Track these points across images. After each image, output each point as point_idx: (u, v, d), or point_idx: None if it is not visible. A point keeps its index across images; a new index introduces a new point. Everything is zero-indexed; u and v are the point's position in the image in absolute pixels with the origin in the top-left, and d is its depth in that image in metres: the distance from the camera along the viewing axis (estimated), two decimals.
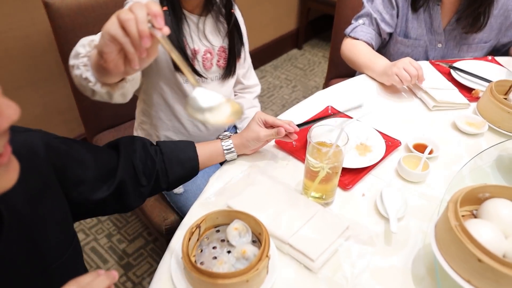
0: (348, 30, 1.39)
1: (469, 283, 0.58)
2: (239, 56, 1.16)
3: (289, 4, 3.02)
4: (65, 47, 1.31)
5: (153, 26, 0.55)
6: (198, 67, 1.09)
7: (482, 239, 0.57)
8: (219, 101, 0.61)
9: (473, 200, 0.68)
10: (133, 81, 0.78)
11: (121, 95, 0.77)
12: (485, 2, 1.22)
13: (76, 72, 0.73)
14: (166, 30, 0.56)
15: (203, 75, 1.11)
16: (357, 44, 1.34)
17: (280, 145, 0.98)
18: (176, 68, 1.04)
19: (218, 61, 1.13)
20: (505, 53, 1.40)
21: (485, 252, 0.55)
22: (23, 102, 1.75)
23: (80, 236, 1.77)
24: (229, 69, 1.15)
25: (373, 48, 1.35)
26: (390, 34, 1.38)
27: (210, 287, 0.62)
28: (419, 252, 0.75)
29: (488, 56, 1.36)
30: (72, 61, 0.74)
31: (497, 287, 0.55)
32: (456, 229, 0.59)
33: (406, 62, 1.13)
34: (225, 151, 0.91)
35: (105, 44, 0.56)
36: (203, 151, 0.89)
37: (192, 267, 0.62)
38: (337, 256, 0.73)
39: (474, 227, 0.60)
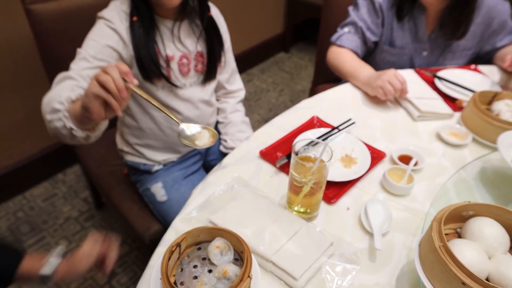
0: (333, 38, 1.38)
1: None
2: (219, 60, 1.15)
3: (275, 8, 3.01)
4: (46, 52, 1.27)
5: (125, 81, 0.69)
6: (173, 74, 1.07)
7: (466, 260, 0.57)
8: (199, 129, 0.75)
9: (457, 218, 0.68)
10: (105, 122, 0.87)
11: (96, 136, 0.88)
12: (465, 10, 1.23)
13: (56, 124, 0.82)
14: (135, 82, 0.70)
15: (178, 82, 1.09)
16: (343, 52, 1.33)
17: (265, 157, 0.97)
18: (145, 77, 1.03)
19: (196, 65, 1.11)
20: (489, 61, 1.41)
21: (469, 275, 0.55)
22: (4, 107, 1.71)
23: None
24: (209, 73, 1.13)
25: (358, 56, 1.35)
26: (376, 43, 1.38)
27: None
28: (403, 269, 0.74)
29: (471, 65, 1.36)
30: (49, 116, 0.82)
31: None
32: (440, 250, 0.58)
33: (390, 75, 1.12)
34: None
35: (90, 101, 0.70)
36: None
37: (169, 285, 0.60)
38: (321, 273, 0.72)
39: (458, 247, 0.60)
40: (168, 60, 1.05)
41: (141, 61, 1.00)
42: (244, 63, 2.95)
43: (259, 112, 2.58)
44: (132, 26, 0.98)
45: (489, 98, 1.12)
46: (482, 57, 1.43)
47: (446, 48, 1.36)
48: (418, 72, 1.31)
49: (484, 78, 1.29)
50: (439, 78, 1.26)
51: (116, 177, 1.38)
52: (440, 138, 1.07)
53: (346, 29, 1.36)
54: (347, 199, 0.88)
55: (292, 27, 3.16)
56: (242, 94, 1.35)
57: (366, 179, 0.93)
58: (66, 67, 1.05)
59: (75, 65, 0.93)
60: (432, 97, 1.18)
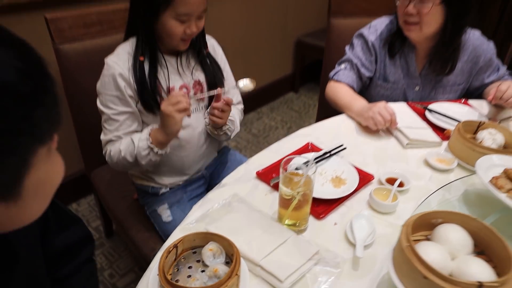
0: (331, 74, 1.50)
1: None
2: (221, 86, 1.27)
3: (285, 50, 3.19)
4: (69, 85, 1.42)
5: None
6: None
7: (429, 259, 0.62)
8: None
9: (428, 226, 0.74)
10: None
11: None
12: (450, 48, 1.33)
13: (152, 159, 1.12)
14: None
15: None
16: (339, 87, 1.44)
17: (261, 177, 1.05)
18: (147, 109, 1.16)
19: (195, 93, 1.23)
20: (479, 96, 1.49)
21: (430, 270, 0.61)
22: None
23: None
24: (212, 99, 1.24)
25: (354, 91, 1.45)
26: (370, 78, 1.49)
27: None
28: (384, 277, 0.79)
29: (461, 99, 1.45)
30: (144, 161, 1.12)
31: None
32: (407, 249, 0.64)
33: (381, 107, 1.22)
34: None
35: (176, 124, 1.04)
36: None
37: (166, 282, 0.68)
38: (306, 278, 0.78)
39: (423, 248, 0.66)
40: (169, 91, 1.17)
41: (143, 96, 1.13)
42: (255, 102, 3.10)
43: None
44: (135, 65, 1.11)
45: (474, 128, 1.19)
46: (473, 92, 1.51)
47: (437, 83, 1.46)
48: (410, 105, 1.40)
49: (472, 111, 1.37)
50: (430, 110, 1.34)
51: (126, 201, 1.47)
52: (427, 163, 1.14)
53: (342, 66, 1.48)
54: (335, 215, 0.95)
55: (300, 69, 3.33)
56: (240, 106, 1.43)
57: (354, 199, 1.00)
58: (85, 98, 1.22)
59: (109, 126, 1.15)
60: (422, 126, 1.26)
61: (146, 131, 1.12)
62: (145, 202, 1.33)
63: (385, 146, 1.22)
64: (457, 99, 1.48)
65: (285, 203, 0.86)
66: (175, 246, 0.75)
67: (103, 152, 1.21)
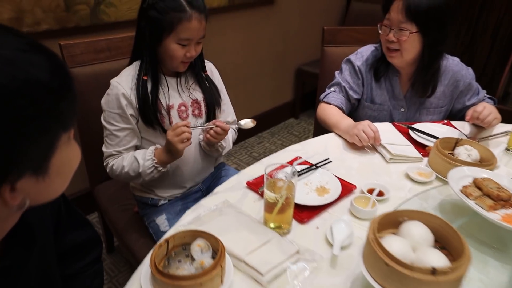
0: (322, 96, 1.60)
1: (382, 287, 0.70)
2: (218, 106, 1.38)
3: (286, 78, 3.33)
4: (79, 108, 1.53)
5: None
6: (174, 119, 1.29)
7: (392, 249, 0.70)
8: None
9: (395, 224, 0.81)
10: None
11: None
12: (430, 72, 1.44)
13: (155, 175, 1.26)
14: (190, 123, 1.20)
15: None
16: (329, 108, 1.54)
17: (251, 186, 1.14)
18: (147, 124, 1.27)
19: (193, 111, 1.33)
20: (462, 118, 1.57)
21: (391, 258, 0.68)
22: None
23: None
24: (210, 117, 1.36)
25: (343, 112, 1.55)
26: (358, 100, 1.59)
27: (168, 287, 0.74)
28: (359, 274, 0.86)
29: (444, 120, 1.54)
30: (148, 177, 1.25)
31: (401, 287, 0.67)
32: (372, 242, 0.72)
33: (365, 125, 1.31)
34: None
35: (179, 151, 1.19)
36: None
37: (156, 271, 0.75)
38: (286, 274, 0.85)
39: (388, 241, 0.73)
40: (169, 109, 1.28)
41: (144, 112, 1.24)
42: (256, 127, 3.16)
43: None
44: (138, 84, 1.23)
45: (452, 145, 1.27)
46: (456, 114, 1.60)
47: (421, 105, 1.55)
48: (394, 125, 1.49)
49: (453, 130, 1.46)
50: (413, 129, 1.43)
51: (127, 214, 1.55)
52: (408, 176, 1.21)
53: (332, 89, 1.59)
54: (317, 220, 1.02)
55: (301, 96, 3.46)
56: (234, 126, 1.51)
57: (337, 206, 1.08)
58: (92, 118, 1.38)
59: (110, 141, 1.27)
60: (404, 143, 1.35)
61: (151, 151, 1.23)
62: (145, 213, 1.41)
63: (369, 161, 1.30)
64: (440, 120, 1.57)
65: (269, 207, 0.94)
66: (166, 241, 0.83)
67: (104, 163, 1.31)
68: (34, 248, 0.68)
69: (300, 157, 1.27)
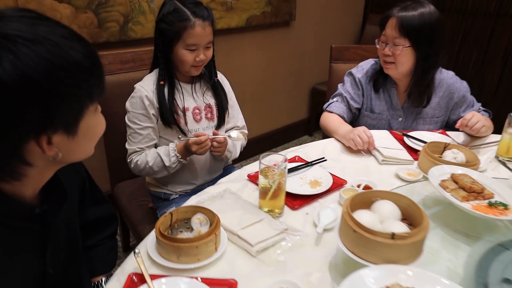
0: (325, 106, 1.73)
1: (352, 253, 0.80)
2: (226, 110, 1.53)
3: (301, 96, 3.48)
4: (105, 111, 1.68)
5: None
6: (189, 121, 1.45)
7: (361, 220, 0.80)
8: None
9: (369, 204, 0.92)
10: None
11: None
12: (424, 83, 1.55)
13: (178, 167, 1.42)
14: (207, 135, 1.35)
15: (192, 127, 1.46)
16: (331, 116, 1.67)
17: (251, 179, 1.26)
18: (165, 124, 1.42)
19: (206, 114, 1.48)
20: (458, 129, 1.66)
21: (358, 225, 0.78)
22: None
23: None
24: (221, 120, 1.51)
25: (345, 120, 1.67)
26: (359, 109, 1.71)
27: (170, 249, 0.87)
28: (339, 250, 0.96)
29: (439, 129, 1.63)
30: (172, 170, 1.42)
31: (366, 251, 0.78)
32: (344, 214, 0.83)
33: (360, 130, 1.43)
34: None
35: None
36: None
37: (159, 234, 0.88)
38: (274, 247, 0.96)
39: (358, 214, 0.84)
40: (184, 111, 1.43)
41: (162, 113, 1.40)
42: (271, 141, 3.34)
43: None
44: (158, 88, 1.39)
45: (441, 149, 1.36)
46: (452, 125, 1.69)
47: (417, 115, 1.65)
48: (391, 132, 1.59)
49: (446, 138, 1.55)
50: (408, 136, 1.53)
51: (142, 209, 1.69)
52: (398, 176, 1.31)
53: (335, 99, 1.72)
54: (308, 208, 1.13)
55: (316, 114, 3.58)
56: (244, 131, 1.63)
57: (327, 197, 1.18)
58: (116, 121, 1.57)
59: (134, 139, 1.42)
60: (397, 148, 1.45)
61: (173, 148, 1.39)
62: (157, 206, 1.55)
63: (363, 162, 1.41)
64: (436, 129, 1.66)
65: (263, 193, 1.06)
66: (171, 213, 0.96)
67: (128, 160, 1.46)
68: (64, 202, 0.82)
69: (299, 157, 1.39)
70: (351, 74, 1.70)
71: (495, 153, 1.45)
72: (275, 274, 0.88)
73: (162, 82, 1.40)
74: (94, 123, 0.74)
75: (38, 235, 0.79)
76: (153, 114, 1.40)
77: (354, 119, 1.76)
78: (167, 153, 1.39)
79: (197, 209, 0.99)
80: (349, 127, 1.54)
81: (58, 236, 0.85)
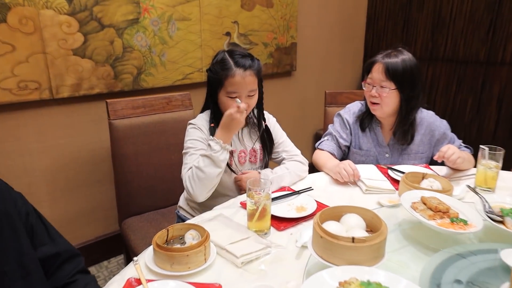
0: (317, 144, 1.89)
1: (321, 258, 0.91)
2: (270, 153, 1.66)
3: (305, 141, 3.64)
4: (116, 150, 1.89)
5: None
6: (234, 162, 1.58)
7: (328, 228, 0.93)
8: None
9: (339, 217, 1.04)
10: None
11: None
12: (407, 123, 1.71)
13: (227, 156, 1.42)
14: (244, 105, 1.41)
15: (236, 168, 1.59)
16: (321, 153, 1.81)
17: (244, 206, 1.39)
18: None
19: (250, 158, 1.62)
20: (442, 164, 1.78)
21: (324, 231, 0.90)
22: (77, 198, 2.31)
23: None
24: (264, 163, 1.65)
25: (335, 157, 1.81)
26: (348, 147, 1.85)
27: (164, 257, 0.99)
28: (317, 263, 1.06)
29: (423, 164, 1.75)
30: (223, 164, 1.41)
31: (331, 255, 0.89)
32: (314, 224, 0.95)
33: (346, 164, 1.57)
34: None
35: (241, 120, 1.42)
36: None
37: (156, 245, 1.01)
38: (258, 260, 1.07)
39: (327, 224, 0.96)
40: (232, 152, 1.57)
41: None
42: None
43: None
44: (210, 130, 1.54)
45: (419, 178, 1.48)
46: (436, 161, 1.81)
47: (403, 151, 1.79)
48: (377, 166, 1.72)
49: (427, 171, 1.66)
50: (392, 169, 1.66)
51: (147, 243, 1.81)
52: (380, 203, 1.42)
53: (325, 138, 1.88)
54: (292, 229, 1.25)
55: None
56: (296, 158, 1.71)
57: (311, 221, 1.29)
58: (126, 160, 1.76)
59: (190, 159, 1.46)
60: (380, 179, 1.57)
61: (211, 139, 1.42)
62: None
63: (349, 192, 1.53)
64: (421, 164, 1.78)
65: (250, 215, 1.19)
66: (167, 229, 1.09)
67: (184, 184, 1.46)
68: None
69: (289, 187, 1.53)
70: (339, 115, 1.87)
71: (474, 183, 1.55)
72: (257, 281, 0.99)
73: (212, 125, 1.54)
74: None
75: None
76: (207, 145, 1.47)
77: (344, 156, 1.90)
78: (208, 148, 1.41)
79: (191, 226, 1.12)
80: (336, 161, 1.68)
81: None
